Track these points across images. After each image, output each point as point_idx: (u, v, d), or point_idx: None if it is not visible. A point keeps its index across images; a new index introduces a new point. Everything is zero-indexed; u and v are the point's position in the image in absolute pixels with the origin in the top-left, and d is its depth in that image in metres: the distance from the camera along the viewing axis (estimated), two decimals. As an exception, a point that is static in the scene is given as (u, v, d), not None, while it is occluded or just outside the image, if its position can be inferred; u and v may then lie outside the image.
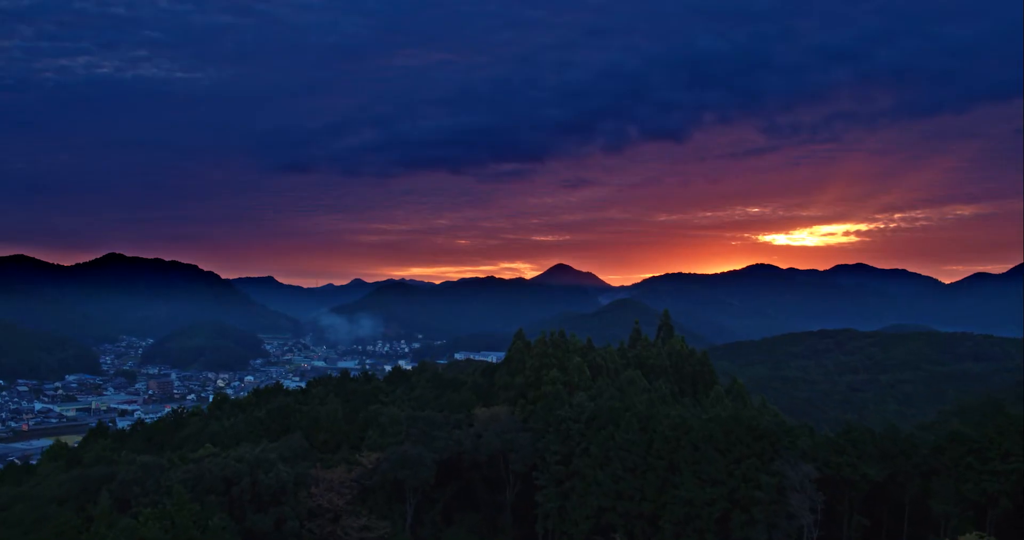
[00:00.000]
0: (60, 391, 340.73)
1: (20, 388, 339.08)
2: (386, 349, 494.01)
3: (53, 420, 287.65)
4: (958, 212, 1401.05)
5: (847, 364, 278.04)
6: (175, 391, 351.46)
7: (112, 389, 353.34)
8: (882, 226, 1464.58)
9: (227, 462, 61.49)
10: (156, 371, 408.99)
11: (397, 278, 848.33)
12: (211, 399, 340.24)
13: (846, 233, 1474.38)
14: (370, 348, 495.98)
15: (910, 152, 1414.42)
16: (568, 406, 64.12)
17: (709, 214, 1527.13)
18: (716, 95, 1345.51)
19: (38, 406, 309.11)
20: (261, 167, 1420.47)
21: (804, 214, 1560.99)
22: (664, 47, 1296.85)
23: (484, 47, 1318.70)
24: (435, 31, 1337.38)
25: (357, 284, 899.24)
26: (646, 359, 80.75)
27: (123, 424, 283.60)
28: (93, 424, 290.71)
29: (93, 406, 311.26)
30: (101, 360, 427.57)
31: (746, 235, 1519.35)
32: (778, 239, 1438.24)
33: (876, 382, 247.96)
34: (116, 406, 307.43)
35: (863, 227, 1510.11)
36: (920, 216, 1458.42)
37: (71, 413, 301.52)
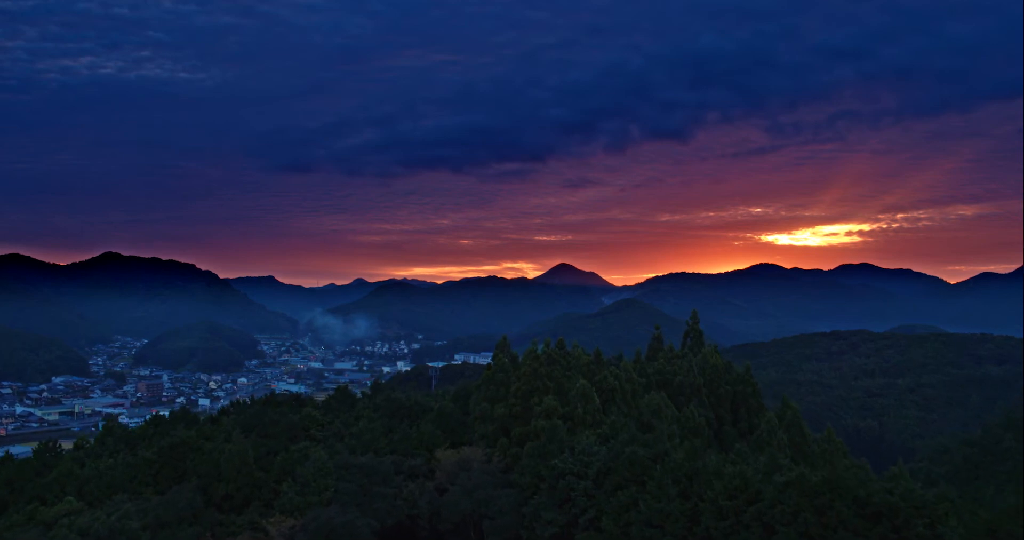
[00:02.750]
0: (45, 394, 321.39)
1: (3, 390, 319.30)
2: (385, 350, 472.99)
3: (34, 424, 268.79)
4: (960, 212, 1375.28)
5: (863, 367, 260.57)
6: (164, 394, 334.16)
7: (99, 391, 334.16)
8: (884, 226, 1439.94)
9: (67, 536, 40.51)
10: (148, 373, 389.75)
11: (399, 278, 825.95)
12: (200, 402, 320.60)
13: (848, 233, 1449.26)
14: (369, 349, 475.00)
15: (913, 152, 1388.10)
16: (569, 452, 42.45)
17: (712, 214, 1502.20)
18: (719, 94, 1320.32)
19: (19, 409, 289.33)
20: (263, 167, 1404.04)
21: (807, 214, 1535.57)
22: (666, 46, 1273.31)
23: (486, 47, 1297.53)
24: (438, 32, 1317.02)
25: (359, 284, 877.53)
26: (671, 376, 58.91)
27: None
28: (76, 429, 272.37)
29: (77, 410, 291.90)
30: (93, 361, 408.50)
31: (748, 235, 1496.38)
32: (780, 239, 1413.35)
33: (894, 386, 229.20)
34: (101, 410, 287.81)
35: (865, 227, 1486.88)
36: (923, 216, 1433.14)
37: (53, 417, 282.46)
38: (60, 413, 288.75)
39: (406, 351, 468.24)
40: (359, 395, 68.70)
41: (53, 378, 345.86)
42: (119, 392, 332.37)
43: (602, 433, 43.73)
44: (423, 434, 49.76)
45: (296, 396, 68.22)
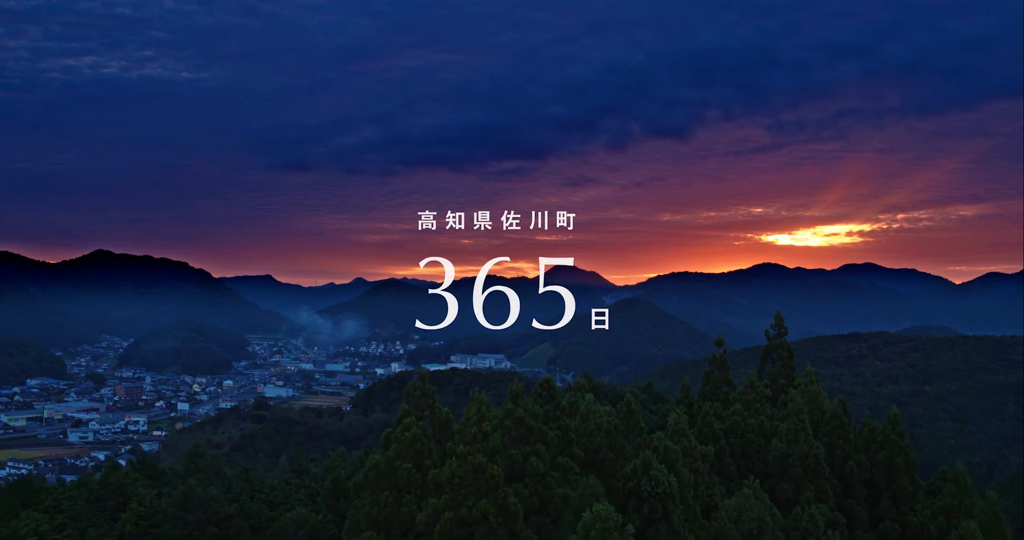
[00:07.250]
0: (17, 397, 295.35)
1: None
2: (380, 350, 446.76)
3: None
4: (961, 213, 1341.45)
5: (886, 372, 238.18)
6: (144, 397, 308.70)
7: (75, 395, 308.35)
8: (885, 227, 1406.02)
9: None
10: (131, 374, 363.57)
11: (399, 277, 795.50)
12: (179, 406, 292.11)
13: (849, 233, 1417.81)
14: (363, 349, 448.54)
15: (915, 151, 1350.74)
16: None
17: (712, 214, 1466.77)
18: (720, 92, 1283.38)
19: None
20: (264, 166, 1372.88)
21: (807, 214, 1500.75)
22: (667, 43, 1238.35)
23: (488, 47, 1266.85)
24: (440, 32, 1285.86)
25: (359, 283, 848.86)
26: (760, 440, 31.90)
27: (74, 437, 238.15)
28: (44, 435, 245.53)
29: (45, 415, 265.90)
30: (76, 362, 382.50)
31: (748, 235, 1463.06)
32: (781, 239, 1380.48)
33: (923, 393, 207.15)
34: (73, 415, 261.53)
35: (866, 228, 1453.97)
36: (923, 217, 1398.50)
37: (20, 423, 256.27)
38: (28, 419, 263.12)
39: (401, 352, 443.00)
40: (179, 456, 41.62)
41: (28, 380, 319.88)
42: (95, 396, 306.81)
43: None
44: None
45: (28, 481, 41.47)
